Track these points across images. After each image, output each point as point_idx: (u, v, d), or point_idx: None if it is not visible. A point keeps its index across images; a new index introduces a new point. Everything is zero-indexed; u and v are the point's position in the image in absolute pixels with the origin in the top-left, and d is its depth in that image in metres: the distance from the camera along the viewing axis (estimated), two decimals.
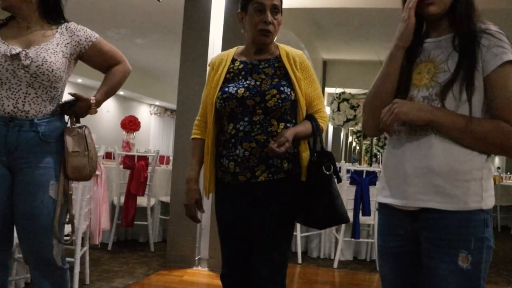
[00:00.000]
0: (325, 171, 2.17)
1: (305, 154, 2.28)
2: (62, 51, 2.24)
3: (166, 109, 18.12)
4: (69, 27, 2.30)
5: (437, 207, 1.55)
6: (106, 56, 2.39)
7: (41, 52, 2.15)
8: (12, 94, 2.13)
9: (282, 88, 2.18)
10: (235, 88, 2.20)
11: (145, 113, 16.83)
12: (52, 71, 2.18)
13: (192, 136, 2.39)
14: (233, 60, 2.32)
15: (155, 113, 17.58)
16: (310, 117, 2.28)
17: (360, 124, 10.34)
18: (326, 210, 2.17)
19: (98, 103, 2.32)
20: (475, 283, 1.54)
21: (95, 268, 4.48)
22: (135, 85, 13.72)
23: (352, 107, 8.75)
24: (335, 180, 2.22)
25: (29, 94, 2.16)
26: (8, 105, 2.12)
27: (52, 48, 2.20)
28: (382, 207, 1.76)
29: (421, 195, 1.58)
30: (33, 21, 2.24)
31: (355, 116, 8.75)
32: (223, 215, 2.33)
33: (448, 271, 1.53)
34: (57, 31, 2.26)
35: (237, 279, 2.34)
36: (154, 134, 17.49)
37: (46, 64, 2.15)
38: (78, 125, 2.28)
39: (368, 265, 5.37)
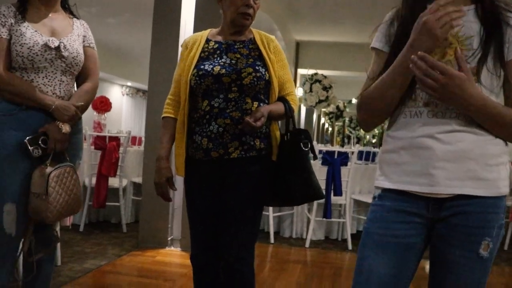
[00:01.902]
0: (303, 148, 2.21)
1: (276, 134, 2.32)
2: (80, 43, 2.41)
3: (138, 90, 17.95)
4: (83, 23, 2.49)
5: (472, 193, 1.43)
6: (90, 66, 2.46)
7: (73, 44, 2.33)
8: (49, 81, 2.27)
9: (257, 68, 2.22)
10: (211, 66, 2.22)
11: (117, 94, 16.65)
12: (81, 61, 2.38)
13: (163, 115, 2.39)
14: (207, 40, 2.34)
15: (127, 94, 17.40)
16: (282, 99, 2.33)
17: (332, 106, 10.41)
18: (303, 186, 2.22)
19: (74, 119, 2.32)
20: (488, 270, 1.49)
21: (66, 249, 4.45)
22: (106, 66, 13.53)
23: (325, 88, 8.79)
24: (311, 157, 2.27)
25: (63, 81, 2.32)
26: (47, 92, 2.25)
27: (78, 40, 2.38)
28: (389, 192, 1.54)
29: (454, 180, 1.43)
30: (54, 9, 2.34)
31: (327, 97, 8.80)
32: (193, 193, 2.34)
33: (468, 259, 1.45)
34: (73, 22, 2.41)
35: (207, 260, 2.36)
36: (126, 115, 17.34)
37: (79, 55, 2.36)
38: (62, 164, 2.27)
39: (339, 244, 5.45)
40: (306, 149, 2.24)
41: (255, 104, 2.22)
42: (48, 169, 2.18)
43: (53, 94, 2.26)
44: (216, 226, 2.31)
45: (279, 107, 2.28)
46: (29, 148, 2.15)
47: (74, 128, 2.33)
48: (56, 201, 2.20)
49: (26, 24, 2.21)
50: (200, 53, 2.30)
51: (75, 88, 2.40)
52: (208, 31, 2.41)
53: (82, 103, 2.34)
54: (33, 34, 2.20)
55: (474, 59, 1.42)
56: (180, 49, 4.65)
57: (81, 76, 2.43)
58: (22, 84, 2.19)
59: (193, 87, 2.24)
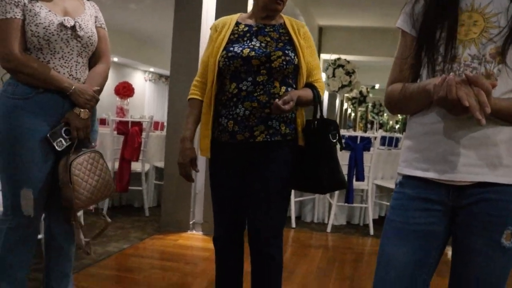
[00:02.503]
0: (331, 139, 2.21)
1: (302, 120, 2.31)
2: (93, 23, 2.39)
3: (160, 76, 18.01)
4: (94, 4, 2.45)
5: (494, 180, 1.38)
6: (102, 47, 2.44)
7: (88, 24, 2.30)
8: (65, 62, 2.24)
9: (287, 52, 2.21)
10: (241, 48, 2.21)
11: (139, 80, 16.72)
12: (95, 41, 2.36)
13: (190, 96, 2.38)
14: (237, 23, 2.33)
15: (149, 80, 17.47)
16: (310, 85, 2.31)
17: (355, 91, 10.33)
18: (330, 175, 2.21)
19: (92, 103, 2.31)
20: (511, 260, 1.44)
21: (90, 233, 4.50)
22: (129, 52, 13.61)
23: (348, 73, 8.70)
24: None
25: (79, 62, 2.30)
26: (64, 73, 2.23)
27: (91, 20, 2.35)
28: (410, 179, 1.52)
29: (476, 167, 1.38)
30: None
31: (350, 82, 8.72)
32: (217, 175, 2.34)
33: (490, 248, 1.41)
34: (84, 3, 2.38)
35: (230, 242, 2.38)
36: (149, 100, 17.41)
37: (94, 35, 2.34)
38: (86, 151, 2.28)
39: (361, 229, 5.43)
40: (334, 140, 2.23)
41: (283, 88, 2.21)
42: (71, 158, 2.20)
43: (70, 75, 2.25)
44: (240, 209, 2.32)
45: (307, 93, 2.26)
46: (53, 143, 2.17)
47: None
48: (83, 188, 2.22)
49: (39, 4, 2.16)
50: (230, 35, 2.28)
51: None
52: (238, 14, 2.40)
53: (98, 88, 2.34)
54: (47, 14, 2.17)
55: (501, 38, 1.35)
56: (201, 35, 4.69)
57: (93, 57, 2.41)
58: (39, 66, 2.15)
59: (221, 69, 2.23)
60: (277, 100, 2.08)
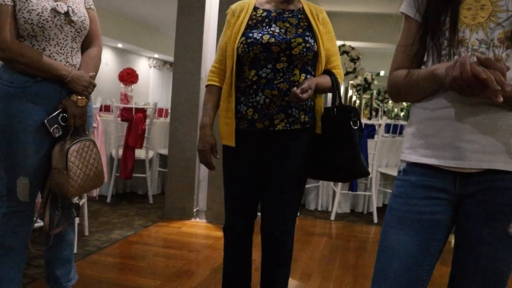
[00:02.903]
0: (352, 126, 2.17)
1: (320, 108, 2.28)
2: (83, 5, 2.33)
3: (165, 62, 17.98)
4: None
5: (504, 168, 1.34)
6: (93, 28, 2.38)
7: (80, 8, 2.25)
8: (61, 49, 2.20)
9: (306, 38, 2.17)
10: (260, 34, 2.18)
11: (144, 66, 16.70)
12: (88, 25, 2.31)
13: (208, 83, 2.35)
14: (255, 8, 2.29)
15: (154, 66, 17.45)
16: (329, 72, 2.28)
17: (360, 78, 10.28)
18: (349, 162, 2.17)
19: (89, 89, 2.28)
20: None
21: (94, 220, 4.52)
22: (133, 38, 13.58)
23: (352, 60, 8.65)
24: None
25: (74, 48, 2.26)
26: (61, 60, 2.19)
27: (81, 2, 2.29)
28: (414, 166, 1.47)
29: (484, 154, 1.34)
30: None
31: (354, 69, 8.67)
32: (234, 163, 2.31)
33: (495, 237, 1.38)
34: None
35: (243, 230, 2.37)
36: (153, 87, 17.41)
37: (86, 19, 2.29)
38: (82, 138, 2.26)
39: (365, 217, 5.43)
40: (356, 127, 2.18)
41: (303, 76, 2.18)
42: (67, 144, 2.18)
43: (66, 62, 2.22)
44: (253, 197, 2.31)
45: (326, 80, 2.23)
46: (49, 129, 2.15)
47: None
48: (77, 176, 2.21)
49: None
50: (248, 21, 2.25)
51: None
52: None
53: (94, 73, 2.30)
54: (39, 0, 2.12)
55: (509, 22, 1.31)
56: (205, 21, 4.66)
57: (85, 40, 2.36)
58: (34, 54, 2.11)
59: (240, 55, 2.20)
60: (295, 88, 2.05)
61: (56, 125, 2.17)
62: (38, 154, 2.19)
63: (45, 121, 2.14)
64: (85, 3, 2.35)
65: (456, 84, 1.24)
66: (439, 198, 1.43)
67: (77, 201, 2.56)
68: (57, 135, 2.18)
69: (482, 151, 1.34)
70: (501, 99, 1.18)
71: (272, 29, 2.19)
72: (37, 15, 2.09)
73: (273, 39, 2.15)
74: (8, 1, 2.06)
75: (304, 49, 2.15)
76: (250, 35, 2.18)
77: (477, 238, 1.40)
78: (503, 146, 1.33)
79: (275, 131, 2.18)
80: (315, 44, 2.20)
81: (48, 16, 2.12)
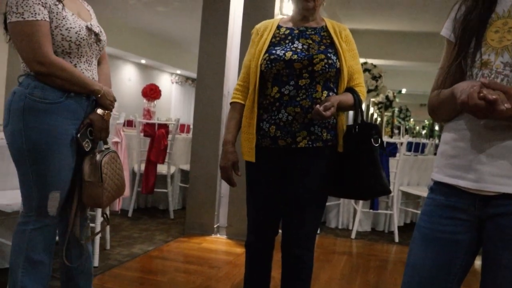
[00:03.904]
0: (373, 144, 2.17)
1: (342, 126, 2.29)
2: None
3: (187, 78, 18.10)
4: (92, 9, 2.44)
5: None
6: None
7: (100, 27, 2.34)
8: (89, 66, 2.27)
9: (329, 55, 2.20)
10: (283, 51, 2.21)
11: (166, 82, 16.84)
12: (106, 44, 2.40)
13: (232, 100, 2.38)
14: (279, 27, 2.34)
15: (176, 82, 17.57)
16: (351, 90, 2.28)
17: (381, 95, 10.24)
18: (371, 180, 2.17)
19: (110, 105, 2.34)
20: None
21: (115, 234, 4.56)
22: (156, 54, 13.71)
23: (374, 78, 8.63)
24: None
25: (95, 65, 2.34)
26: (89, 76, 2.26)
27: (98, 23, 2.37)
28: (440, 185, 1.49)
29: (502, 178, 1.33)
30: None
31: (376, 87, 8.65)
32: (257, 180, 2.32)
33: None
34: (84, 4, 2.39)
35: (263, 248, 2.38)
36: (175, 103, 17.52)
37: (106, 40, 2.38)
38: (109, 151, 2.32)
39: (386, 236, 5.38)
40: (377, 145, 2.19)
41: (325, 93, 2.20)
42: (98, 157, 2.22)
43: (92, 78, 2.27)
44: (275, 214, 2.32)
45: (348, 98, 2.23)
46: (82, 143, 2.19)
47: None
48: (110, 186, 2.27)
49: (61, 5, 2.14)
50: (271, 39, 2.29)
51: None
52: (279, 18, 2.41)
53: (111, 89, 2.37)
54: (74, 18, 2.17)
55: None
56: (228, 38, 4.71)
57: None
58: (73, 70, 2.15)
59: (263, 72, 2.23)
60: (318, 106, 2.06)
61: (86, 139, 2.22)
62: (70, 168, 2.22)
63: (78, 135, 2.19)
64: None
65: (465, 108, 1.27)
66: (460, 219, 1.44)
67: (106, 216, 2.63)
68: (87, 149, 2.22)
69: (499, 175, 1.33)
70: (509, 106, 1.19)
71: (295, 45, 2.22)
72: (76, 33, 2.14)
73: (296, 55, 2.18)
74: (47, 17, 2.09)
75: (326, 65, 2.16)
76: (273, 51, 2.21)
77: (499, 263, 1.39)
78: None
79: (297, 149, 2.19)
80: (337, 61, 2.21)
81: (85, 35, 2.18)
